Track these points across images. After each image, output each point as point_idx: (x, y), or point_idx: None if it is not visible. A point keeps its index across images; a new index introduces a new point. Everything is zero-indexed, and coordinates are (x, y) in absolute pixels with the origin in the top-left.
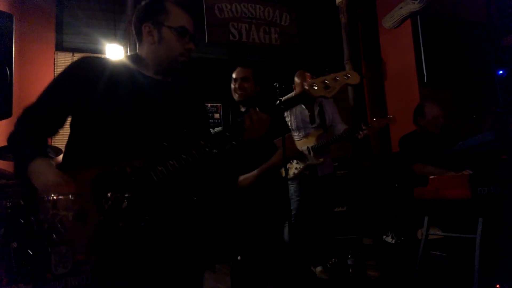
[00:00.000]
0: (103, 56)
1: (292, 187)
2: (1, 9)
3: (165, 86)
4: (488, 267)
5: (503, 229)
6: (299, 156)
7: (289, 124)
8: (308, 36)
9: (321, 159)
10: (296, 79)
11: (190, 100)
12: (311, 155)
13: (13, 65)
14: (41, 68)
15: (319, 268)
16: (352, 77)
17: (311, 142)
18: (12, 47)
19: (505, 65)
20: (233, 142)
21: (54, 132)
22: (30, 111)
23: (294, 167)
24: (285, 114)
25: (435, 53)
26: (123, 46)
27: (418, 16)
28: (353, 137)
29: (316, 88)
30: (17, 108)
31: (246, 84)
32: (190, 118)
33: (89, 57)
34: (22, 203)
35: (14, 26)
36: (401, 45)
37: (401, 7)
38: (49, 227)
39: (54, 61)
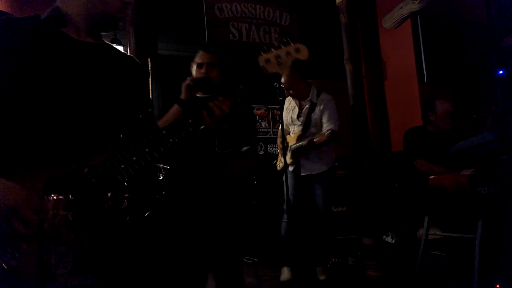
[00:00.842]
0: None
1: (289, 178)
2: (1, 9)
3: (103, 54)
4: (488, 267)
5: (503, 229)
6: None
7: (286, 119)
8: (308, 36)
9: (291, 161)
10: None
11: (132, 69)
12: (290, 154)
13: None
14: None
15: (319, 268)
16: (302, 52)
17: (293, 140)
18: None
19: (505, 65)
20: (192, 129)
21: None
22: None
23: (281, 160)
24: (284, 107)
25: (435, 53)
26: (123, 46)
27: (418, 16)
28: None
29: (270, 64)
30: None
31: (213, 70)
32: (142, 96)
33: (8, 19)
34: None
35: None
36: (401, 45)
37: (401, 7)
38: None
39: None
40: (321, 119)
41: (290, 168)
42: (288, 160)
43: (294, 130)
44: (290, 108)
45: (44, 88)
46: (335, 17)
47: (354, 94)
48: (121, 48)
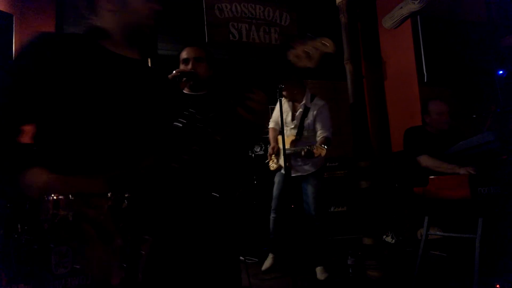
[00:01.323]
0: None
1: (275, 179)
2: (1, 9)
3: (142, 67)
4: (488, 267)
5: (503, 229)
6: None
7: (277, 119)
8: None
9: (279, 164)
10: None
11: (166, 84)
12: (281, 157)
13: None
14: None
15: (318, 268)
16: (329, 45)
17: (287, 143)
18: (12, 47)
19: (505, 65)
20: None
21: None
22: None
23: (273, 161)
24: (277, 108)
25: (435, 53)
26: (141, 43)
27: (418, 16)
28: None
29: (299, 58)
30: None
31: (199, 65)
32: (177, 108)
33: (48, 34)
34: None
35: (14, 26)
36: (401, 45)
37: (401, 7)
38: (50, 227)
39: None
40: (314, 124)
41: (282, 170)
42: (281, 163)
43: (287, 133)
44: (284, 110)
45: (84, 98)
46: (335, 17)
47: (354, 94)
48: None
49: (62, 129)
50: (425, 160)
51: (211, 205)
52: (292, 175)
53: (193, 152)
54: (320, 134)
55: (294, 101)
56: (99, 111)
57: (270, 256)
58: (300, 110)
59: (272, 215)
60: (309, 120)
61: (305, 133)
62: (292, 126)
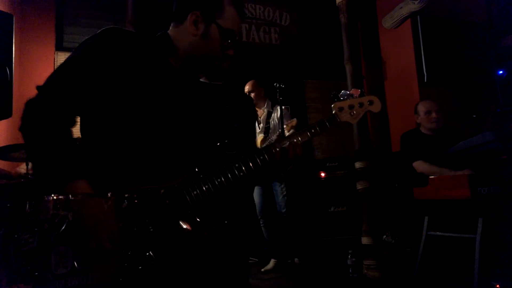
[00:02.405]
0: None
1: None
2: (1, 9)
3: (201, 86)
4: (488, 267)
5: (503, 229)
6: None
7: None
8: (308, 36)
9: None
10: (247, 88)
11: (224, 104)
12: None
13: (13, 65)
14: (41, 68)
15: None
16: (375, 104)
17: (258, 145)
18: (12, 47)
19: (505, 65)
20: (262, 165)
21: (74, 122)
22: (51, 96)
23: None
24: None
25: (435, 53)
26: (197, 73)
27: (418, 16)
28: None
29: (343, 113)
30: (17, 108)
31: None
32: (226, 126)
33: (116, 30)
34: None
35: (14, 26)
36: (401, 45)
37: (401, 7)
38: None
39: (54, 61)
40: (278, 124)
41: None
42: None
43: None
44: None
45: (139, 108)
46: (335, 17)
47: None
48: None
49: (118, 134)
50: (420, 166)
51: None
52: None
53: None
54: (289, 122)
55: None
56: (148, 119)
57: (272, 261)
58: (264, 113)
59: (261, 223)
60: (274, 121)
61: (271, 133)
62: (259, 130)
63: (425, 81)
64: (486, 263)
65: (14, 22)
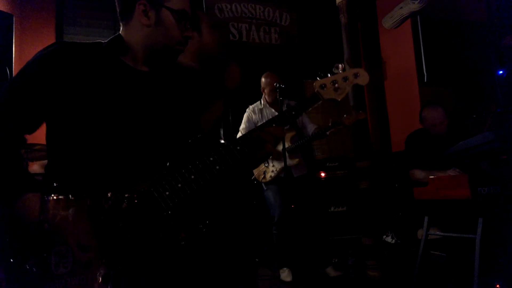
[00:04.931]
0: (78, 41)
1: (270, 193)
2: (1, 9)
3: (159, 82)
4: (488, 267)
5: (503, 229)
6: (276, 156)
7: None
8: (308, 36)
9: (297, 160)
10: (263, 80)
11: (189, 97)
12: (287, 156)
13: (13, 65)
14: None
15: (329, 268)
16: (362, 77)
17: (286, 140)
18: (12, 47)
19: (505, 65)
20: (240, 157)
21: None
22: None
23: (270, 170)
24: (256, 116)
25: (435, 53)
26: (160, 63)
27: (418, 16)
28: (324, 135)
29: (326, 89)
30: None
31: None
32: (193, 122)
33: (63, 44)
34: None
35: (14, 26)
36: (401, 45)
37: (401, 7)
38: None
39: None
40: (301, 121)
41: (281, 174)
42: (294, 162)
43: None
44: (265, 115)
45: (98, 113)
46: (335, 17)
47: (354, 94)
48: None
49: (77, 141)
50: (414, 174)
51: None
52: (296, 175)
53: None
54: (312, 126)
55: (274, 105)
56: (108, 123)
57: (286, 270)
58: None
59: (275, 231)
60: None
61: (302, 129)
62: (286, 126)
63: (425, 81)
64: (486, 263)
65: (14, 22)
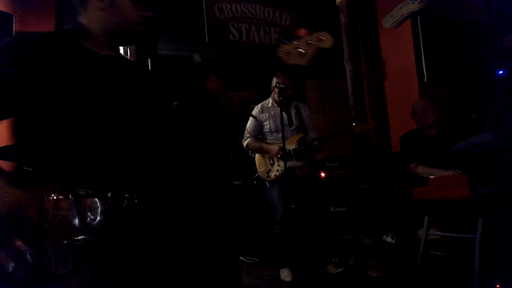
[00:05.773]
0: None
1: (274, 192)
2: (1, 9)
3: (121, 64)
4: (488, 267)
5: (503, 229)
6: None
7: (268, 127)
8: None
9: (303, 161)
10: (273, 79)
11: (149, 78)
12: (293, 157)
13: None
14: None
15: (329, 266)
16: (326, 40)
17: (292, 144)
18: None
19: (505, 65)
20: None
21: None
22: None
23: (275, 169)
24: (264, 116)
25: (435, 53)
26: (123, 46)
27: (418, 16)
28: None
29: (290, 55)
30: None
31: None
32: (158, 102)
33: (23, 34)
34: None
35: (14, 26)
36: (401, 45)
37: (401, 7)
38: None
39: None
40: (307, 122)
41: (277, 173)
42: (300, 163)
43: (287, 134)
44: (273, 116)
45: (61, 100)
46: (335, 17)
47: (354, 94)
48: (121, 48)
49: (38, 128)
50: (412, 168)
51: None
52: (299, 174)
53: (157, 156)
54: (313, 134)
55: (283, 105)
56: (75, 109)
57: (286, 270)
58: (294, 111)
59: (277, 229)
60: (305, 119)
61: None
62: (293, 128)
63: (425, 81)
64: (486, 263)
65: (14, 22)
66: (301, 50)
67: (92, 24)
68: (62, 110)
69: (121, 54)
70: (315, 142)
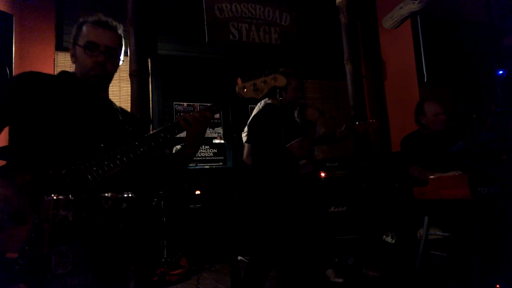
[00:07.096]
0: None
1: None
2: (1, 9)
3: (96, 100)
4: (488, 267)
5: (503, 229)
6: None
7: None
8: (308, 36)
9: (305, 160)
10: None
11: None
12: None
13: (13, 65)
14: (41, 68)
15: (330, 271)
16: (279, 80)
17: None
18: (12, 47)
19: (505, 65)
20: (163, 141)
21: None
22: None
23: None
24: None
25: (435, 53)
26: (95, 87)
27: (418, 16)
28: (334, 140)
29: (246, 90)
30: None
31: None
32: (122, 126)
33: (33, 72)
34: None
35: (14, 26)
36: (401, 45)
37: (401, 7)
38: (50, 227)
39: (54, 61)
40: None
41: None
42: (303, 162)
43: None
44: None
45: (47, 119)
46: (335, 17)
47: (354, 94)
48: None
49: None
50: (412, 171)
51: None
52: (302, 172)
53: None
54: (320, 128)
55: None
56: (56, 125)
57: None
58: (297, 111)
59: None
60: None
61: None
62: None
63: (425, 81)
64: (486, 263)
65: (14, 22)
66: (255, 87)
67: (75, 72)
68: (45, 123)
69: (106, 97)
70: (323, 133)
